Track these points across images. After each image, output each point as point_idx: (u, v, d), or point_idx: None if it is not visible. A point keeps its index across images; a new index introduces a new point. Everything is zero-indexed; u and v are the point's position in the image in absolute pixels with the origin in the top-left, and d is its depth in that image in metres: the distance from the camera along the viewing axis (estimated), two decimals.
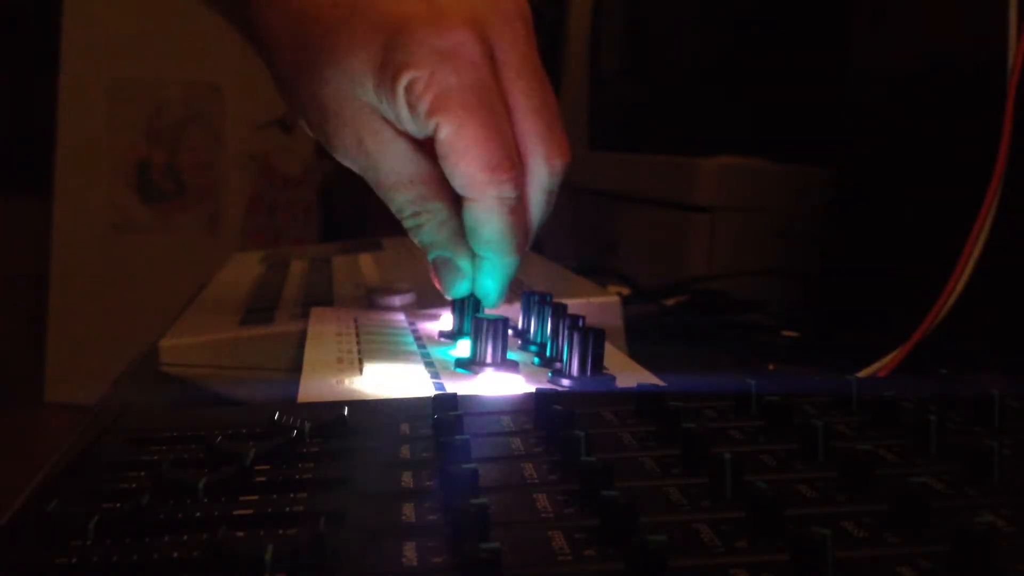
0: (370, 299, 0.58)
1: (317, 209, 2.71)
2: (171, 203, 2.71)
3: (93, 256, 2.65)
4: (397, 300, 0.58)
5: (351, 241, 0.97)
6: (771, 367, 0.62)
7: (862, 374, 0.51)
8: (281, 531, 0.24)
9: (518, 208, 0.44)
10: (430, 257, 0.46)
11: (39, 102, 2.74)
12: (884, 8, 0.68)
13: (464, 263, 0.45)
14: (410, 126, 0.43)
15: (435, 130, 0.42)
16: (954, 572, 0.20)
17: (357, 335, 0.48)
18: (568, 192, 0.51)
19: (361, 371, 0.42)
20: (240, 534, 0.23)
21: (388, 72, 0.42)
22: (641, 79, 1.16)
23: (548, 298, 0.47)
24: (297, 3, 0.44)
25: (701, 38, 1.06)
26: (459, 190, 0.43)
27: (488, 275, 0.45)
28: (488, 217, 0.43)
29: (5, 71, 2.93)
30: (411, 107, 0.42)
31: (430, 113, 0.42)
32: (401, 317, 0.53)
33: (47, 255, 2.66)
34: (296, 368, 0.42)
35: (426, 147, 0.44)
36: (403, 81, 0.42)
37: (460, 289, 0.46)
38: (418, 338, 0.49)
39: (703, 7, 1.06)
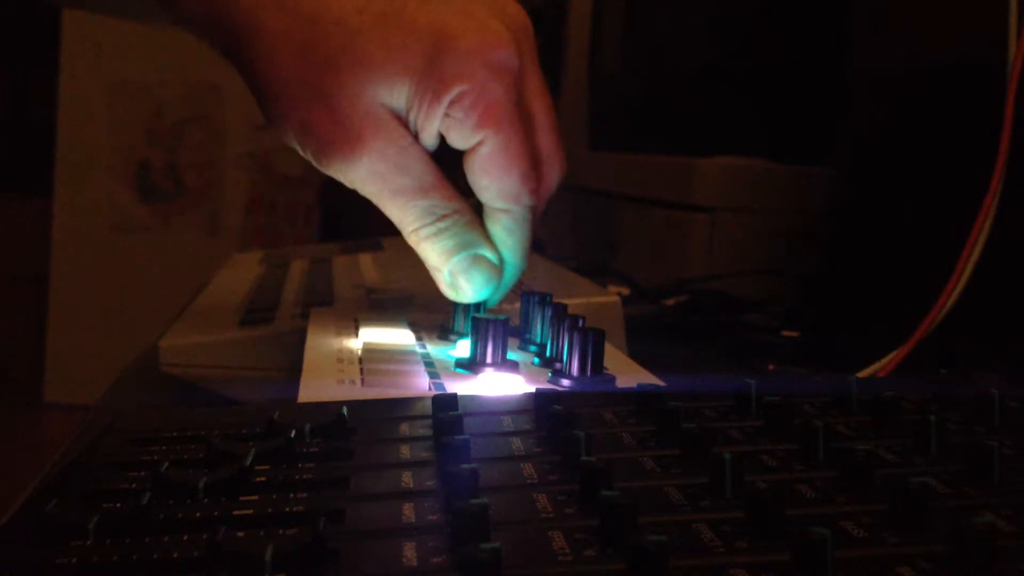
0: (370, 299, 0.58)
1: (317, 209, 2.71)
2: (171, 203, 2.71)
3: (93, 256, 2.65)
4: (397, 300, 0.58)
5: (351, 241, 0.97)
6: (771, 367, 0.62)
7: (862, 374, 0.50)
8: (281, 531, 0.24)
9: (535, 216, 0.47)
10: (456, 259, 0.45)
11: (39, 102, 2.74)
12: (884, 8, 0.68)
13: (495, 258, 0.46)
14: (430, 139, 0.44)
15: (479, 143, 0.43)
16: (954, 572, 0.20)
17: (357, 335, 0.48)
18: (568, 192, 0.51)
19: (361, 371, 0.42)
20: (240, 534, 0.23)
21: (433, 82, 0.42)
22: (641, 79, 1.16)
23: (548, 298, 0.47)
24: (308, 6, 0.43)
25: (701, 38, 1.06)
26: (490, 201, 0.45)
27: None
28: (519, 226, 0.46)
29: (5, 71, 2.93)
30: (456, 119, 0.43)
31: (478, 127, 0.43)
32: (401, 317, 0.53)
33: (47, 255, 2.67)
34: (296, 368, 0.42)
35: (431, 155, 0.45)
36: (451, 93, 0.42)
37: (488, 288, 0.46)
38: (418, 338, 0.49)
39: (703, 7, 1.06)
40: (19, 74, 2.94)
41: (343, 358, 0.44)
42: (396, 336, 0.49)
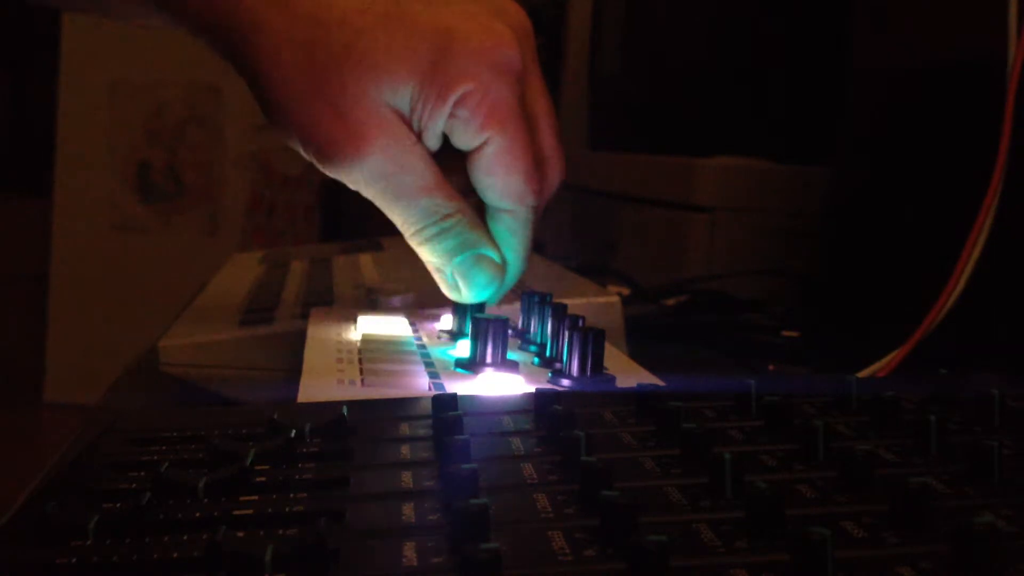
0: (370, 299, 0.58)
1: (317, 209, 2.71)
2: (171, 203, 2.71)
3: (93, 256, 2.65)
4: (397, 300, 0.58)
5: (351, 241, 0.97)
6: (771, 367, 0.62)
7: (862, 374, 0.50)
8: (281, 531, 0.24)
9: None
10: (458, 259, 0.45)
11: (39, 102, 2.74)
12: (884, 8, 0.68)
13: (498, 257, 0.46)
14: (434, 139, 0.44)
15: (484, 143, 0.44)
16: (954, 572, 0.20)
17: (357, 335, 0.48)
18: (568, 192, 0.52)
19: (361, 371, 0.42)
20: (240, 534, 0.23)
21: (438, 82, 0.42)
22: (641, 79, 1.16)
23: (548, 298, 0.47)
24: (310, 5, 0.42)
25: (701, 38, 1.06)
26: (494, 201, 0.45)
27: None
28: (522, 226, 0.46)
29: (5, 71, 2.93)
30: (461, 119, 0.43)
31: (484, 127, 0.43)
32: (401, 317, 0.53)
33: (47, 255, 2.67)
34: (296, 368, 0.42)
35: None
36: (457, 93, 0.42)
37: (491, 288, 0.46)
38: (418, 338, 0.49)
39: (703, 7, 1.06)
40: (19, 74, 2.94)
41: (343, 358, 0.44)
42: (393, 326, 0.49)
